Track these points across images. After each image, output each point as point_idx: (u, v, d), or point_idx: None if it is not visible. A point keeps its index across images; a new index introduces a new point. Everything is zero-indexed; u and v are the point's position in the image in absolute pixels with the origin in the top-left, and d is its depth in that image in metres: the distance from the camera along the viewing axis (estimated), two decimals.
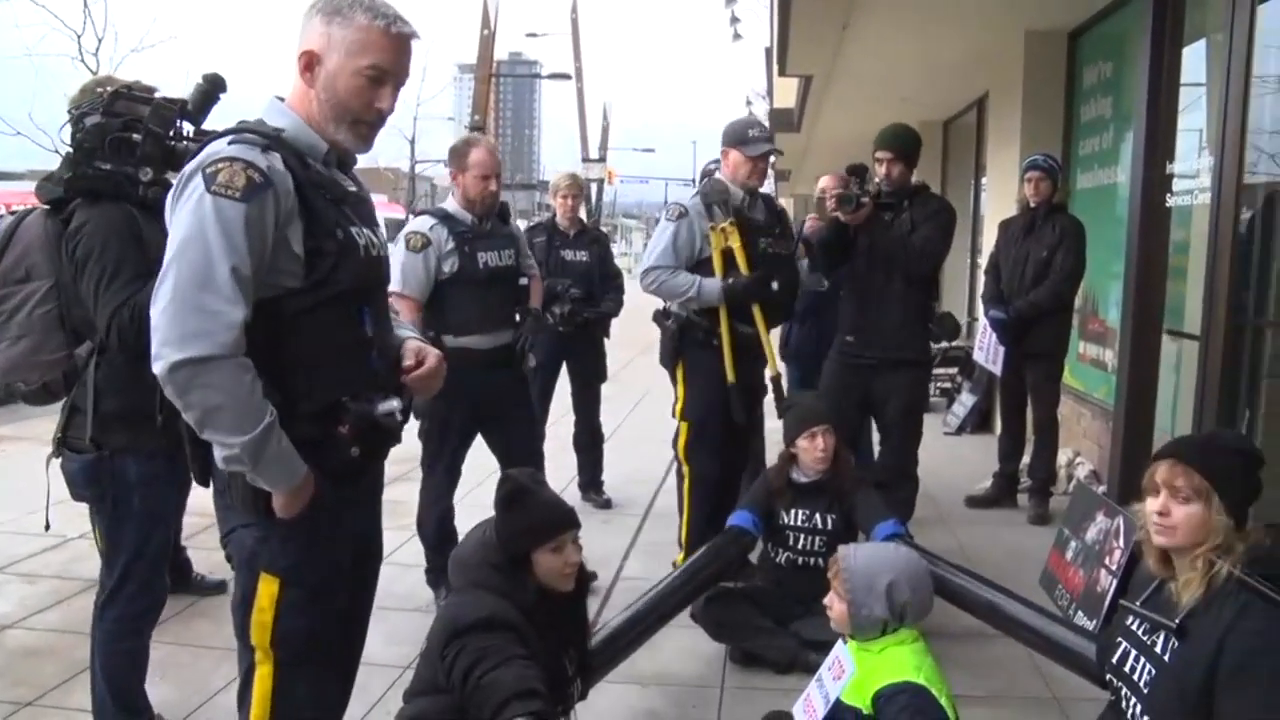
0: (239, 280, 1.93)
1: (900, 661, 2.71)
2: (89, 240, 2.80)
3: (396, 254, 4.14)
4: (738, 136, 4.34)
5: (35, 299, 2.91)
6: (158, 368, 1.92)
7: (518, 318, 4.37)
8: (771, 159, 4.46)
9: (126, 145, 2.85)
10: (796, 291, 4.55)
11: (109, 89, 2.95)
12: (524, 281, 4.43)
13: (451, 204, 4.35)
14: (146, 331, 2.64)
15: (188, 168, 2.00)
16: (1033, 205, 5.65)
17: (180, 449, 2.77)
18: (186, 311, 1.91)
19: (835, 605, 2.82)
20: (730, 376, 4.30)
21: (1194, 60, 4.81)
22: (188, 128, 2.95)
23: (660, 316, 4.52)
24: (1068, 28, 6.90)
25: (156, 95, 2.97)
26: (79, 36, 15.76)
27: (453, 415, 4.24)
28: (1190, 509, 2.17)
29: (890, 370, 4.56)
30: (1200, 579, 2.13)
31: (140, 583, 3.01)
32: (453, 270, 4.19)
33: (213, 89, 2.95)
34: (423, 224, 4.27)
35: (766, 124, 4.43)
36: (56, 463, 3.01)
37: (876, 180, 4.71)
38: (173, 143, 2.90)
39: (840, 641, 2.92)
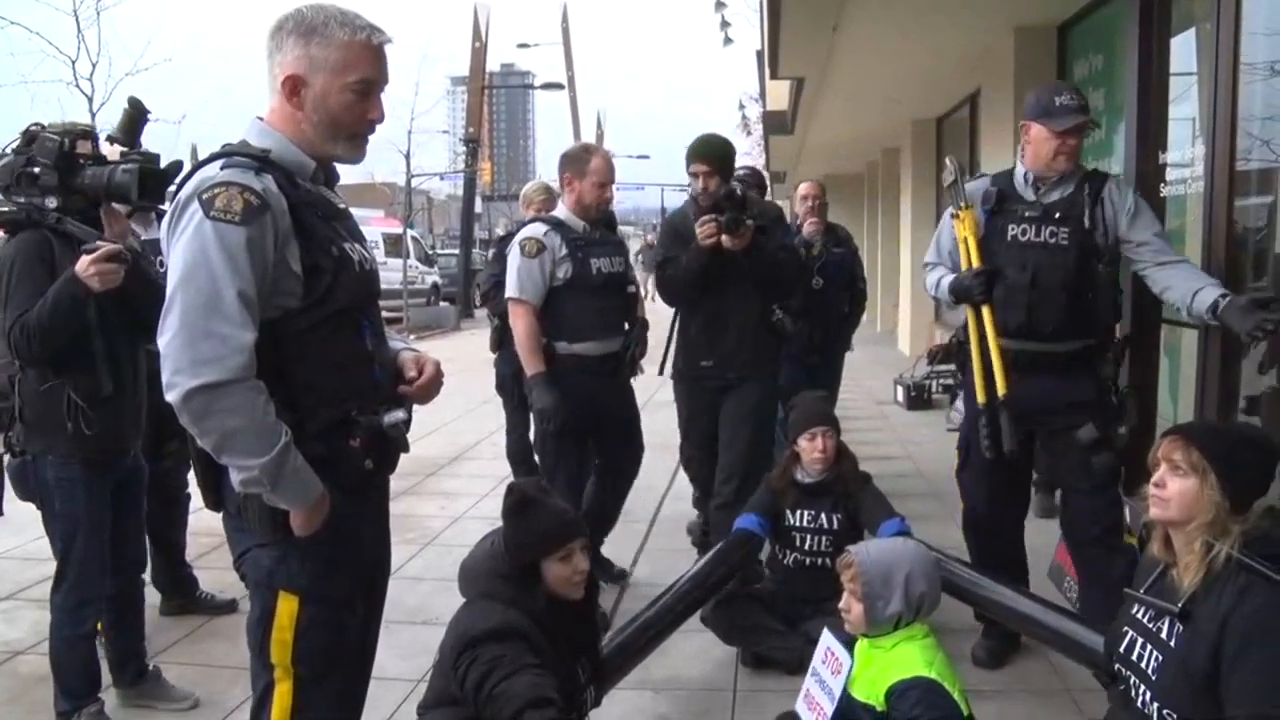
0: (246, 303, 1.95)
1: (912, 657, 2.72)
2: (2, 265, 3.11)
3: (512, 261, 4.36)
4: (1042, 107, 3.56)
5: None
6: (172, 396, 1.93)
7: (626, 325, 4.47)
8: (1090, 132, 3.74)
9: (29, 179, 3.13)
10: (1068, 286, 3.54)
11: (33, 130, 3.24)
12: (631, 289, 4.53)
13: (563, 210, 4.44)
14: (32, 347, 2.99)
15: (182, 194, 2.01)
16: None
17: (102, 458, 3.20)
18: (197, 338, 1.92)
19: (853, 607, 2.81)
20: (980, 395, 3.66)
21: (1183, 49, 4.83)
22: (109, 149, 3.28)
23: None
24: (1056, 21, 6.92)
25: (44, 129, 3.21)
26: (73, 62, 15.76)
27: (568, 420, 4.28)
28: (1185, 483, 2.21)
29: (741, 385, 4.40)
30: (1199, 562, 2.15)
31: (73, 579, 3.23)
32: (566, 276, 4.28)
33: (136, 113, 3.27)
34: (536, 230, 4.34)
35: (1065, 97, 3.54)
36: None
37: (694, 194, 4.46)
38: (81, 165, 3.13)
39: (825, 631, 2.95)
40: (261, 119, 2.16)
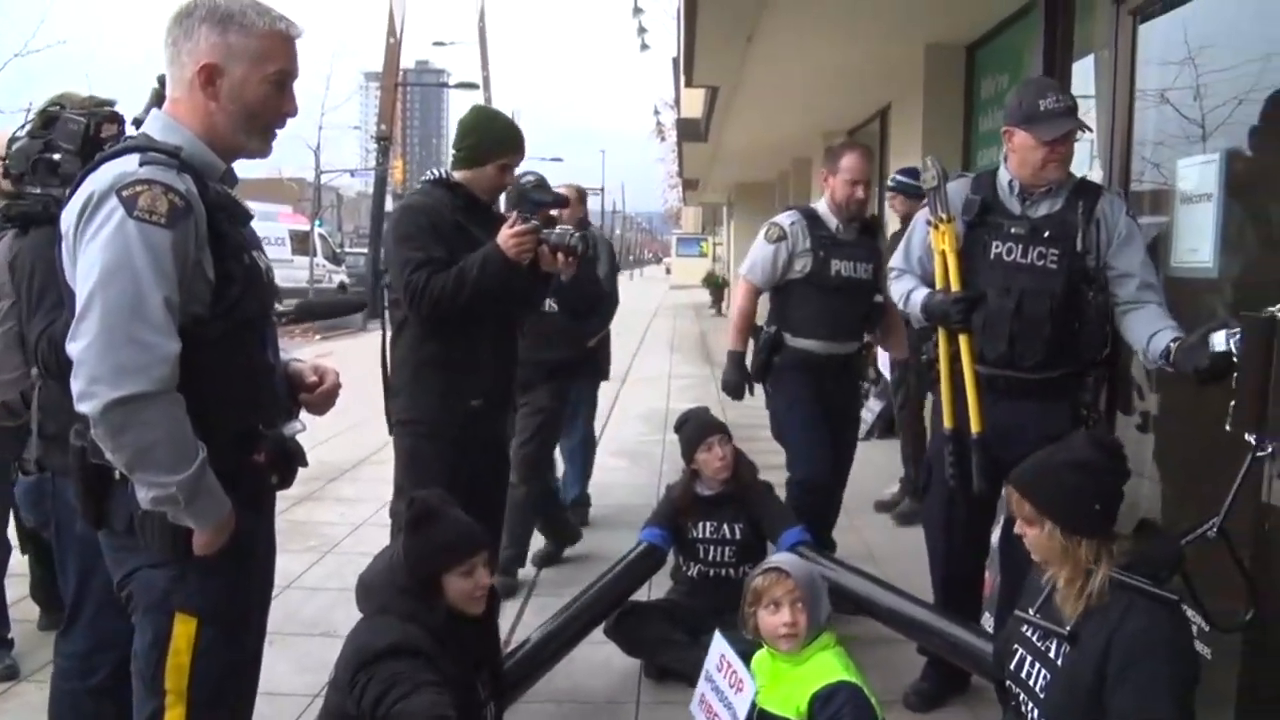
0: (170, 310, 1.86)
1: (830, 664, 2.75)
2: (20, 268, 2.78)
3: (755, 241, 4.39)
4: (1024, 113, 3.22)
5: None
6: (88, 407, 1.82)
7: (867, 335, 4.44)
8: (1080, 137, 3.36)
9: (47, 166, 2.80)
10: (1055, 315, 3.21)
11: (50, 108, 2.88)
12: (879, 299, 4.37)
13: (821, 206, 4.37)
14: (60, 360, 2.45)
15: (93, 189, 1.89)
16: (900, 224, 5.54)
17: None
18: (118, 345, 1.81)
19: (799, 619, 2.77)
20: (947, 421, 3.40)
21: (1083, 74, 4.96)
22: (135, 133, 2.86)
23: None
24: (965, 41, 7.06)
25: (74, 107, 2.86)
26: None
27: (797, 401, 4.31)
28: (1033, 532, 2.28)
29: (504, 430, 3.67)
30: (1075, 597, 2.21)
31: (88, 619, 2.80)
32: (804, 271, 4.24)
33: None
34: (785, 218, 4.35)
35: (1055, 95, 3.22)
36: None
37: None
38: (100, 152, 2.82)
39: (718, 635, 2.97)
40: (160, 111, 2.07)
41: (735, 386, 4.43)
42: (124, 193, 1.86)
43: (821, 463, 4.26)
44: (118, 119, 2.85)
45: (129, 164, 1.91)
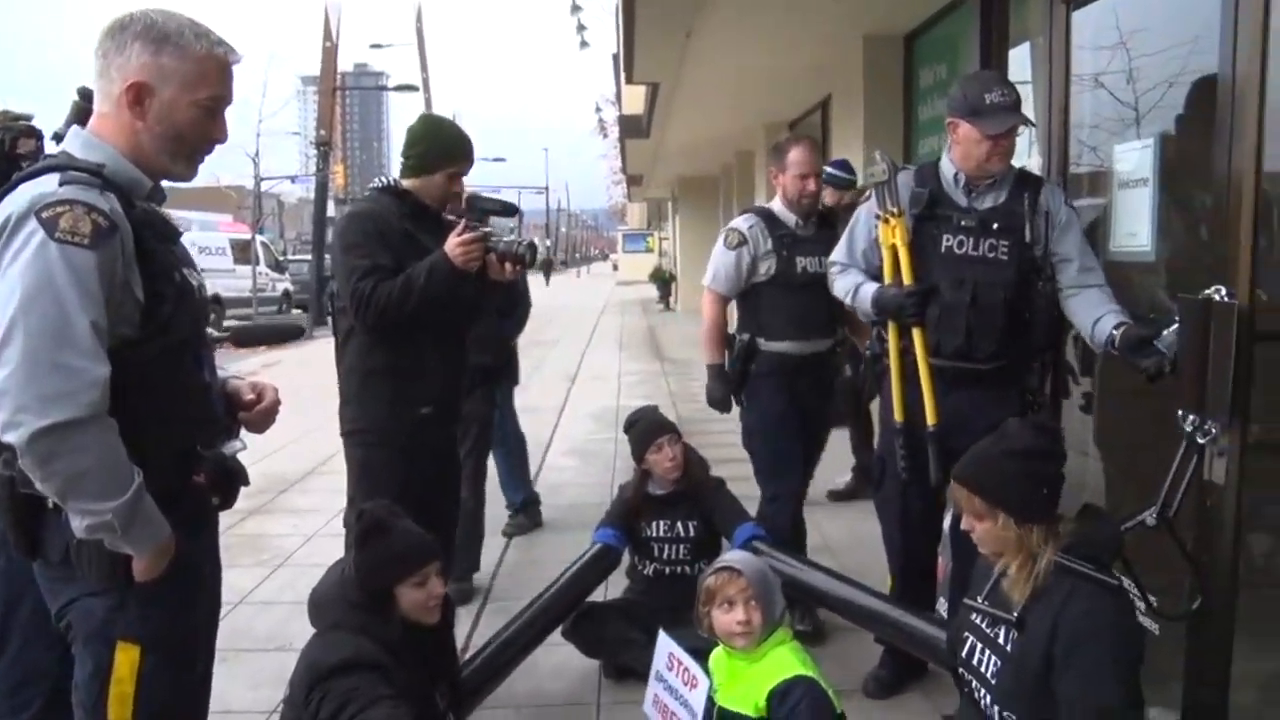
0: (98, 334, 1.80)
1: (786, 660, 2.75)
2: None
3: (715, 249, 4.28)
4: (970, 105, 3.25)
5: None
6: (14, 437, 1.76)
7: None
8: (1021, 131, 3.36)
9: None
10: (1008, 306, 3.26)
11: None
12: None
13: (777, 204, 4.27)
14: None
15: (11, 212, 1.82)
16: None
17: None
18: (44, 372, 1.75)
19: (753, 617, 2.75)
20: (897, 414, 3.45)
21: (1020, 61, 5.02)
22: (54, 149, 2.65)
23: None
24: (903, 31, 7.11)
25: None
26: None
27: (769, 416, 4.19)
28: (983, 526, 2.29)
29: (452, 445, 3.67)
30: (1024, 582, 2.24)
31: (15, 651, 2.67)
32: (769, 273, 4.15)
33: (89, 105, 2.74)
34: (742, 222, 4.26)
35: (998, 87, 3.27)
36: None
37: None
38: (22, 168, 2.68)
39: (662, 634, 2.98)
40: (83, 128, 2.01)
41: (721, 401, 4.29)
42: (44, 214, 1.80)
43: (791, 478, 4.24)
44: (35, 134, 2.76)
45: (48, 184, 1.85)
